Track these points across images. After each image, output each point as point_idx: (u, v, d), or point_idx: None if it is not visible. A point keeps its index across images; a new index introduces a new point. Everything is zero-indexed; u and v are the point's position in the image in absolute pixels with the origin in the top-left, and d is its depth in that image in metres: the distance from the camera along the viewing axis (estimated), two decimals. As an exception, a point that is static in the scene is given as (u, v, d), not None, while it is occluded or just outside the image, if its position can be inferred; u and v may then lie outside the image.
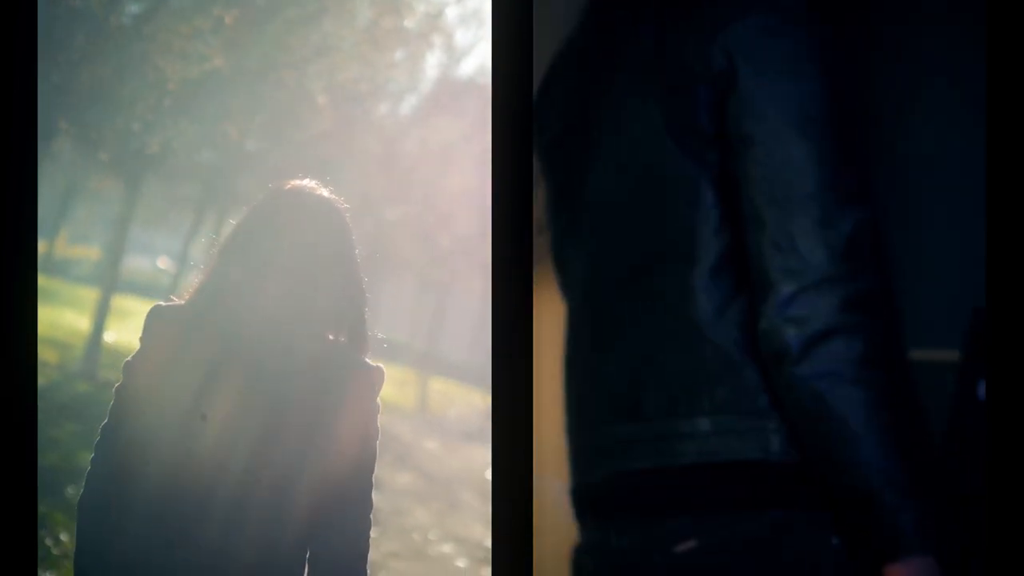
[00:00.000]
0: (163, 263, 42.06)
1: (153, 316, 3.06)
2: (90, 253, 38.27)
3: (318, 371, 3.02)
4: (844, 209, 2.68)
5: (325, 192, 3.12)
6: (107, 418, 3.14)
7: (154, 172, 16.98)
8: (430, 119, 27.74)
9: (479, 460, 18.49)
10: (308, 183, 3.11)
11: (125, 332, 23.98)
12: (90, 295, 24.89)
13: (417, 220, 27.53)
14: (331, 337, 3.09)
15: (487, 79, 30.78)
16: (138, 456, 3.04)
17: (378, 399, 3.06)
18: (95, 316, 16.42)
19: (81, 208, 31.94)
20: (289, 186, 3.10)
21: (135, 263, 42.20)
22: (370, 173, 23.66)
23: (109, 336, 20.50)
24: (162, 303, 3.09)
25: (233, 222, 3.13)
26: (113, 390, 3.13)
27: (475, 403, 29.30)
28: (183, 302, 3.10)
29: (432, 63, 28.71)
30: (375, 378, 3.07)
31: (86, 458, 10.92)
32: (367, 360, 3.09)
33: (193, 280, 3.13)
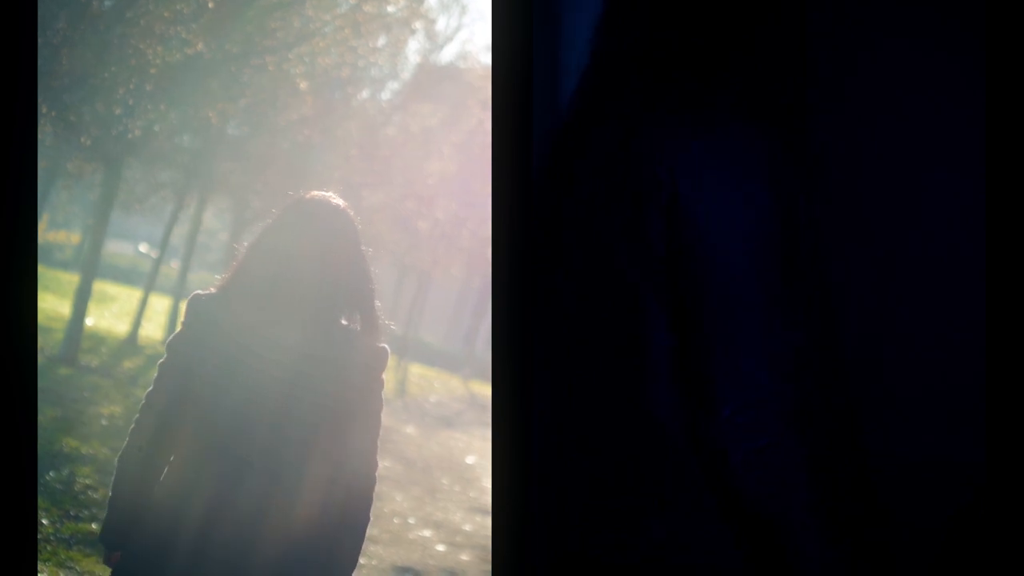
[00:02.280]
0: (144, 248, 42.00)
1: (193, 302, 3.64)
2: (71, 238, 38.23)
3: (330, 347, 3.59)
4: (787, 327, 2.73)
5: (339, 201, 3.69)
6: (152, 386, 3.63)
7: (135, 156, 16.96)
8: (411, 105, 27.76)
9: (458, 446, 18.52)
10: (324, 194, 3.69)
11: (106, 317, 23.96)
12: (71, 280, 24.91)
13: (397, 205, 27.55)
14: (344, 322, 3.65)
15: (468, 65, 30.79)
16: (176, 419, 3.60)
17: (383, 375, 3.65)
18: (76, 301, 16.40)
19: (61, 193, 31.91)
20: (308, 196, 3.68)
21: (116, 248, 42.14)
22: (351, 158, 23.65)
23: (90, 321, 20.49)
24: (200, 292, 3.67)
25: (261, 225, 3.73)
26: (157, 364, 3.65)
27: (454, 389, 29.34)
28: (216, 291, 3.67)
29: (413, 49, 28.75)
30: (380, 356, 3.64)
31: (67, 443, 10.84)
32: (375, 342, 3.65)
33: (225, 274, 3.72)
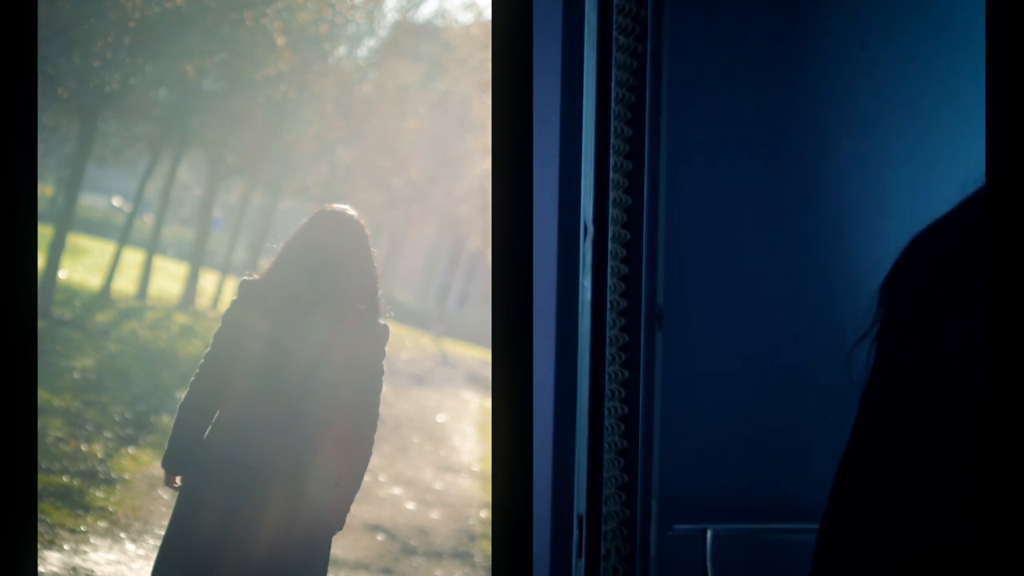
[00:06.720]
0: (117, 202, 41.89)
1: (243, 285, 4.69)
2: (44, 190, 38.07)
3: (345, 325, 4.67)
4: None
5: (353, 212, 4.78)
6: (209, 347, 4.64)
7: (111, 110, 16.91)
8: (387, 62, 27.67)
9: (429, 404, 18.57)
10: (341, 207, 4.79)
11: (79, 270, 23.90)
12: (44, 232, 24.81)
13: (372, 163, 27.49)
14: (356, 304, 4.72)
15: (446, 24, 30.70)
16: (225, 378, 4.60)
17: (384, 347, 4.73)
18: (49, 254, 16.38)
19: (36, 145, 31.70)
20: (329, 208, 4.78)
21: (89, 201, 41.99)
22: (326, 115, 23.59)
23: (63, 274, 20.44)
24: (247, 277, 4.72)
25: (292, 231, 4.80)
26: (212, 334, 4.64)
27: (425, 347, 29.37)
28: (260, 277, 4.71)
29: (391, 6, 28.65)
30: (382, 332, 4.73)
31: (41, 397, 10.79)
32: (379, 320, 4.73)
33: (265, 265, 4.76)
